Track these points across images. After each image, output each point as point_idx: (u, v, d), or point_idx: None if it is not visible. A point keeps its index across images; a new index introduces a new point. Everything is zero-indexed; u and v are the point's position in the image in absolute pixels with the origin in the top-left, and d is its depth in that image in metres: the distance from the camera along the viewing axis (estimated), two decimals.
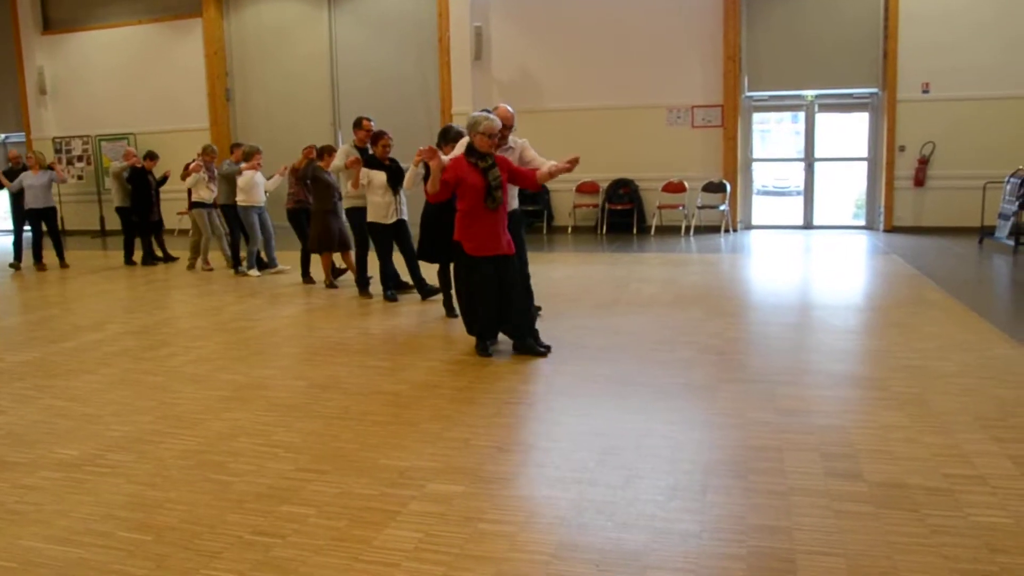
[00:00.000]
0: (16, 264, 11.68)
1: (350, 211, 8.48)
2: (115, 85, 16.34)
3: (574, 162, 5.55)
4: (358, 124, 8.60)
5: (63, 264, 11.64)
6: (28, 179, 11.38)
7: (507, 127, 6.04)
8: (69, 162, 16.61)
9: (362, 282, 8.55)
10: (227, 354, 6.19)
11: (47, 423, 4.66)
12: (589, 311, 7.35)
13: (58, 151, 16.63)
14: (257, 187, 10.04)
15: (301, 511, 3.38)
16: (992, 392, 4.70)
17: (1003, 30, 12.12)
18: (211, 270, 10.85)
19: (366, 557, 2.98)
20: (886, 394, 4.74)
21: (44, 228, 11.62)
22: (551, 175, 5.77)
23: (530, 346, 5.82)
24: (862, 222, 13.85)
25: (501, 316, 5.80)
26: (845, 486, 3.46)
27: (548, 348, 5.88)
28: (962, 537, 2.99)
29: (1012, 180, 10.72)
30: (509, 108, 6.20)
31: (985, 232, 11.26)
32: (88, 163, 16.69)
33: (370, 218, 8.05)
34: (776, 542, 2.99)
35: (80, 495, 3.62)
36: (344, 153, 8.40)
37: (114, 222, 16.09)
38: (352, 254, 8.91)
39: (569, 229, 14.07)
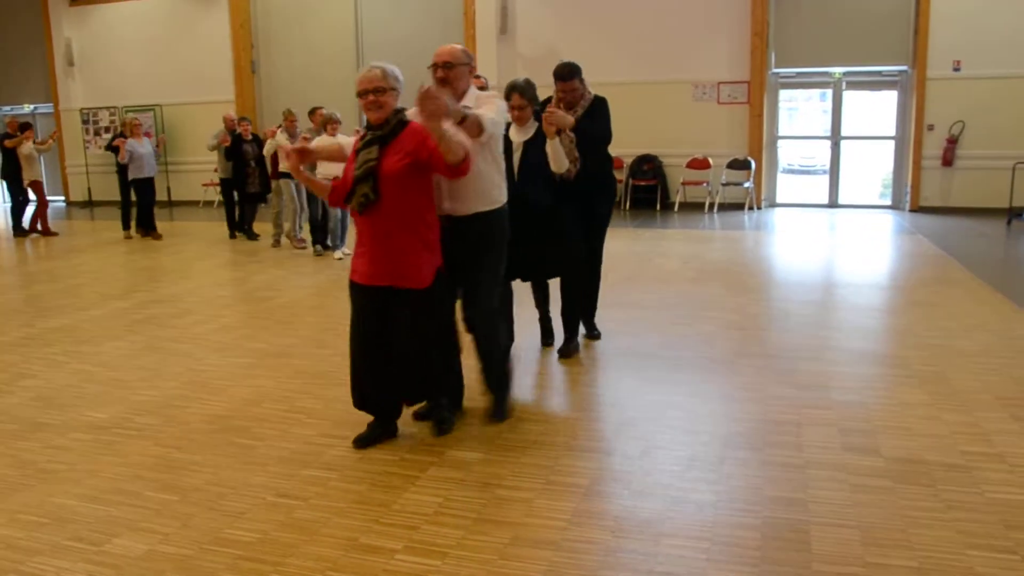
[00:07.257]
0: (128, 233, 11.61)
1: None
2: (141, 57, 16.40)
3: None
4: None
5: (147, 233, 11.44)
6: (137, 147, 11.00)
7: (444, 68, 3.84)
8: (96, 133, 16.75)
9: None
10: (251, 323, 6.27)
11: (77, 387, 4.76)
12: (610, 285, 7.34)
13: (85, 122, 16.78)
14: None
15: (323, 475, 3.45)
16: (1013, 372, 4.67)
17: None
18: (303, 247, 10.02)
19: (386, 520, 3.04)
20: (907, 372, 4.73)
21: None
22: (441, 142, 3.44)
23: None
24: (888, 202, 13.69)
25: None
26: (862, 460, 3.48)
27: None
28: (978, 513, 3.01)
29: None
30: (457, 46, 3.98)
31: (1014, 213, 11.12)
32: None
33: None
34: (791, 513, 3.02)
35: (109, 456, 3.72)
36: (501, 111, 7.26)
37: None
38: None
39: None
